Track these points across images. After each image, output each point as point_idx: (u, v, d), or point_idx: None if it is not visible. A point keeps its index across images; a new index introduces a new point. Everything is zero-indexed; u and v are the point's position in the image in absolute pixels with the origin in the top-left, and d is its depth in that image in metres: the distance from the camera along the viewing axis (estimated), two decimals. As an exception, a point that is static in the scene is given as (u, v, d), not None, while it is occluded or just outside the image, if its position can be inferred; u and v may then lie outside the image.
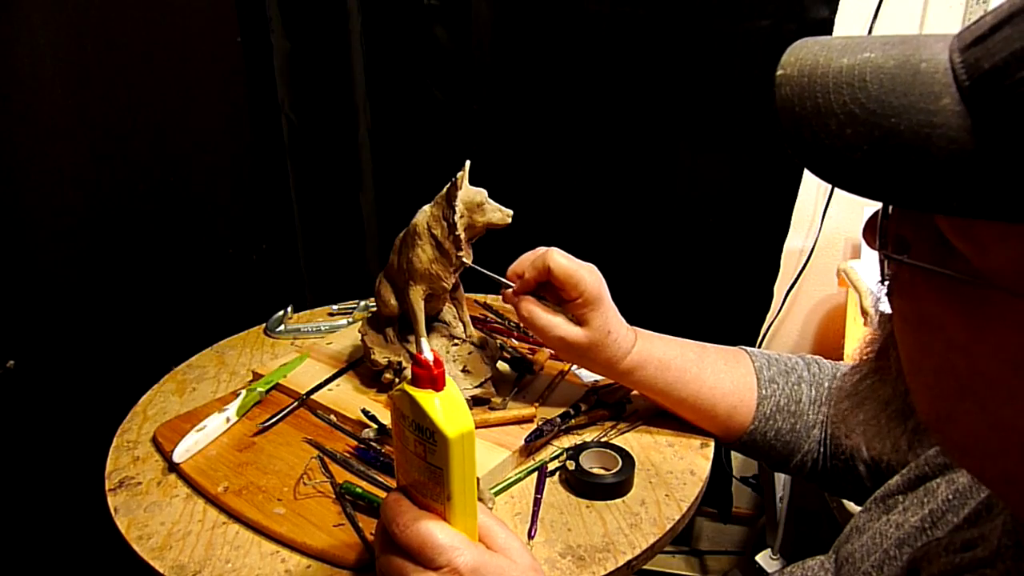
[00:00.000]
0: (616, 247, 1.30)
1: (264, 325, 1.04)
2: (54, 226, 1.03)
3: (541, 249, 0.73)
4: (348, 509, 0.65)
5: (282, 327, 1.02)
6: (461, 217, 0.75)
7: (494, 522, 0.50)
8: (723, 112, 1.18)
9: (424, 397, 0.46)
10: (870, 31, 1.19)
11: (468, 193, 0.75)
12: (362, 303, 1.11)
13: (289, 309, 1.07)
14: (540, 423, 0.77)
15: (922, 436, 0.38)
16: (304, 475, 0.70)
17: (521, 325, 1.03)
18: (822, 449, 0.73)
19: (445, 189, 0.76)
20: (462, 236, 0.75)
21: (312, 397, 0.82)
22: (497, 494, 0.70)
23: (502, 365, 0.88)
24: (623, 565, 0.61)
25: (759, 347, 1.37)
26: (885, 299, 0.37)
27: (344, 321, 1.05)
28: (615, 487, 0.69)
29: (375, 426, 0.76)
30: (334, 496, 0.68)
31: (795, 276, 1.36)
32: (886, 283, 0.36)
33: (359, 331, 0.86)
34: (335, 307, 1.11)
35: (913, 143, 0.28)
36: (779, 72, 0.32)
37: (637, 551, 0.63)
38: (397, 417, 0.48)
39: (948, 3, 1.17)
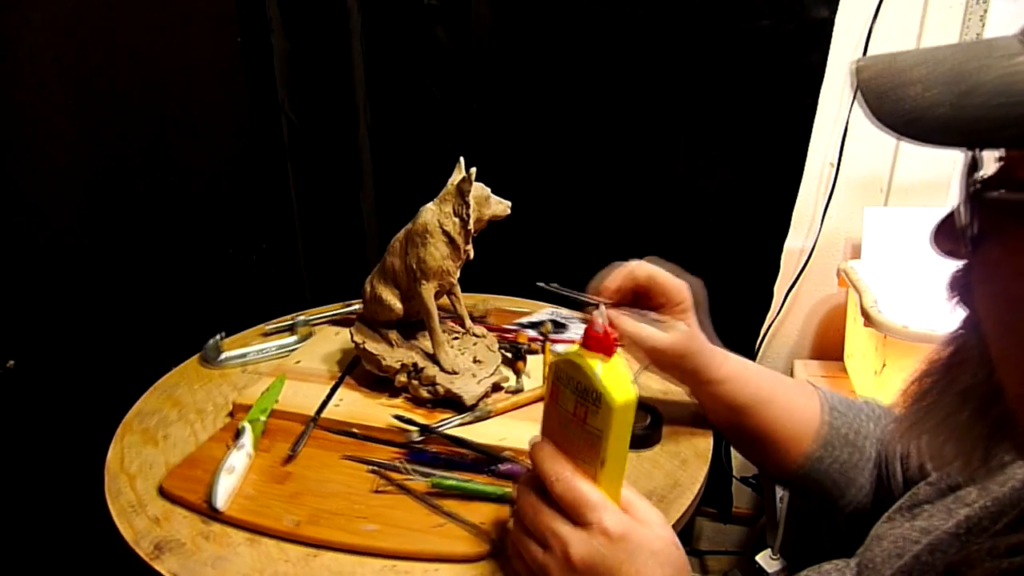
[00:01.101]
0: (616, 247, 1.29)
1: (199, 356, 0.96)
2: (54, 226, 1.04)
3: (630, 264, 0.72)
4: (444, 508, 0.66)
5: (223, 355, 0.95)
6: (472, 211, 0.78)
7: (635, 496, 0.50)
8: (723, 112, 1.18)
9: (595, 362, 0.48)
10: (870, 31, 1.19)
11: (475, 188, 0.78)
12: (300, 317, 1.05)
13: (221, 335, 0.99)
14: None
15: (1000, 435, 0.37)
16: (377, 489, 0.69)
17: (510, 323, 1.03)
18: (875, 483, 0.70)
19: (452, 187, 0.78)
20: (472, 230, 0.78)
21: (323, 416, 0.80)
22: None
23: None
24: (696, 496, 0.70)
25: (759, 347, 1.38)
26: (959, 302, 0.39)
27: (292, 338, 1.00)
28: (651, 437, 0.76)
29: (415, 428, 0.76)
30: (415, 499, 0.67)
31: (795, 276, 1.36)
32: (957, 288, 0.38)
33: (355, 341, 0.84)
34: (268, 327, 1.04)
35: (999, 89, 0.31)
36: (858, 65, 0.36)
37: (700, 482, 0.71)
38: (556, 380, 0.51)
39: (948, 3, 1.17)
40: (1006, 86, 0.31)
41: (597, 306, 0.74)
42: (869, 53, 1.10)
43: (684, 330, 0.69)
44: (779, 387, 0.72)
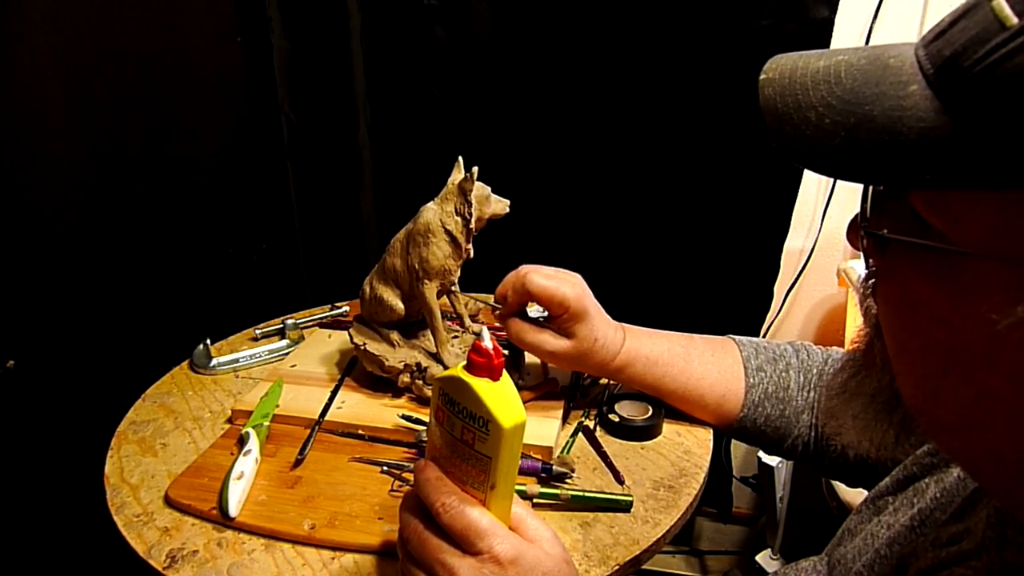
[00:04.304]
0: (616, 247, 1.30)
1: (187, 362, 0.95)
2: (54, 226, 1.04)
3: (522, 270, 0.73)
4: None
5: (215, 361, 0.93)
6: (473, 210, 0.77)
7: (526, 512, 0.50)
8: (723, 112, 1.18)
9: (481, 386, 0.45)
10: (870, 31, 1.19)
11: (476, 187, 0.78)
12: (289, 321, 1.03)
13: (208, 341, 0.97)
14: (561, 391, 0.83)
15: (909, 428, 0.39)
16: (393, 489, 0.69)
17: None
18: (812, 433, 0.75)
19: (453, 186, 0.78)
20: (473, 229, 0.78)
21: (326, 419, 0.80)
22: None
23: None
24: (703, 483, 0.71)
25: (759, 347, 1.38)
26: (870, 297, 0.39)
27: (283, 342, 0.98)
28: (653, 428, 0.77)
29: (423, 427, 0.75)
30: None
31: (795, 276, 1.36)
32: (870, 281, 0.39)
33: (355, 342, 0.84)
34: (257, 331, 1.02)
35: (886, 125, 0.30)
36: (762, 77, 0.36)
37: (704, 470, 0.73)
38: (443, 402, 0.48)
39: (948, 3, 1.17)
40: (892, 123, 0.30)
41: (498, 309, 0.76)
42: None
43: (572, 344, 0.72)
44: (694, 356, 0.76)
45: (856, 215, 0.38)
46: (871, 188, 0.36)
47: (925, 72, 0.31)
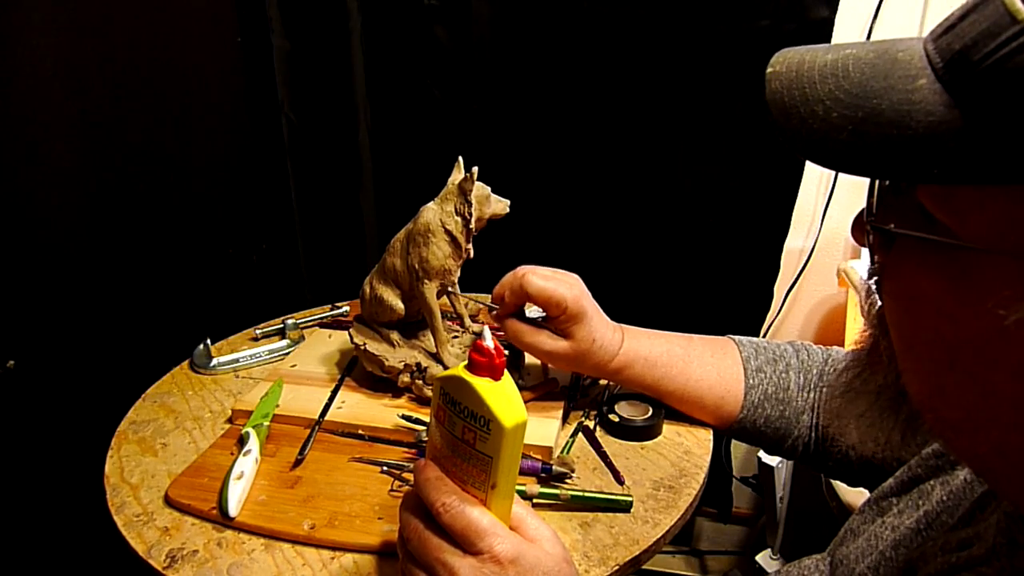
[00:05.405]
0: (616, 247, 1.30)
1: (188, 362, 0.95)
2: (54, 226, 1.03)
3: (520, 271, 0.73)
4: None
5: (215, 361, 0.93)
6: (473, 210, 0.77)
7: (526, 512, 0.50)
8: (723, 112, 1.18)
9: (483, 385, 0.45)
10: (870, 31, 1.19)
11: (476, 187, 0.78)
12: (289, 321, 1.03)
13: (208, 341, 0.97)
14: (561, 391, 0.83)
15: (915, 426, 0.39)
16: (392, 489, 0.69)
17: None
18: (812, 434, 0.75)
19: (453, 186, 0.78)
20: (473, 229, 0.78)
21: (326, 419, 0.80)
22: None
23: None
24: (703, 483, 0.71)
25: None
26: (875, 293, 0.39)
27: (283, 342, 0.98)
28: (652, 428, 0.77)
29: (423, 427, 0.75)
30: None
31: (795, 276, 1.36)
32: (874, 277, 0.38)
33: (355, 342, 0.84)
34: (257, 331, 1.02)
35: (895, 119, 0.30)
36: (769, 70, 0.35)
37: (704, 470, 0.73)
38: (444, 401, 0.48)
39: (948, 3, 1.17)
40: (900, 117, 0.30)
41: (495, 309, 0.76)
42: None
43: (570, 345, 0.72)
44: (693, 357, 0.75)
45: (862, 211, 0.37)
46: (877, 183, 0.36)
47: (934, 66, 0.30)
